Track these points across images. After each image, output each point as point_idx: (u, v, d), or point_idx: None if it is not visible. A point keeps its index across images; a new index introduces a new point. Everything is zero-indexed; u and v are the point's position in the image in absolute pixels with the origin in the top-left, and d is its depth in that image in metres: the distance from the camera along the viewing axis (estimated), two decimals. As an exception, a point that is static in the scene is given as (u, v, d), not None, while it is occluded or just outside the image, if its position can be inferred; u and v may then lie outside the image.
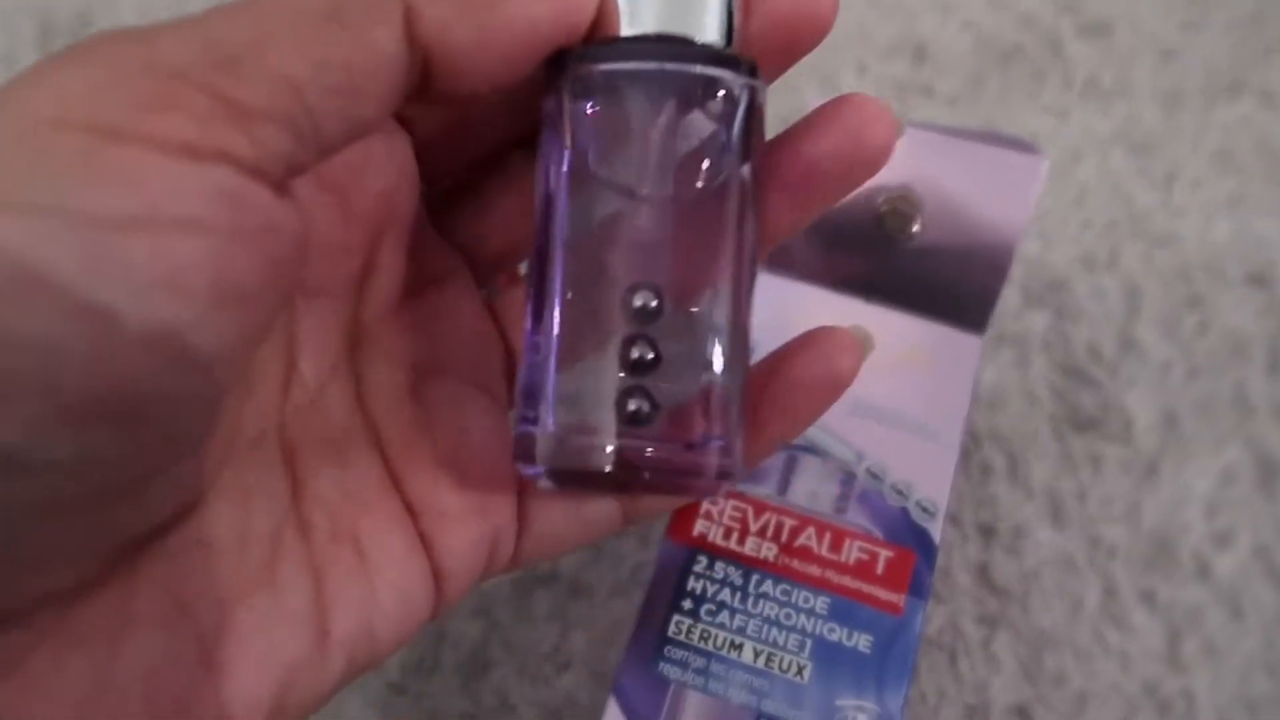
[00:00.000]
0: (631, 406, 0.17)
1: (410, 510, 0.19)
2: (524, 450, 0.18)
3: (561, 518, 0.20)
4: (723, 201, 0.18)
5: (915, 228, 0.28)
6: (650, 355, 0.17)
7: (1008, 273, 0.28)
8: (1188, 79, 0.40)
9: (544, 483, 0.18)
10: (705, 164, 0.18)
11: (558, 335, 0.18)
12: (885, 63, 0.41)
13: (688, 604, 0.24)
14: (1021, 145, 0.28)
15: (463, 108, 0.19)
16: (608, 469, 0.17)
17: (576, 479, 0.19)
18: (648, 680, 0.23)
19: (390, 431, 0.19)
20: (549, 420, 0.18)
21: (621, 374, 0.18)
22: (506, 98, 0.18)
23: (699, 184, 0.18)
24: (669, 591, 0.25)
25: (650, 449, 0.18)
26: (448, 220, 0.21)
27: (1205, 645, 0.29)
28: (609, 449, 0.17)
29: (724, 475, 0.18)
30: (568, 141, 0.18)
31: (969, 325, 0.29)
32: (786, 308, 0.27)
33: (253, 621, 0.16)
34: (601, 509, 0.21)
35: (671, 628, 0.24)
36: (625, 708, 0.23)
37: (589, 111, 0.18)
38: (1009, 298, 0.35)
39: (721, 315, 0.18)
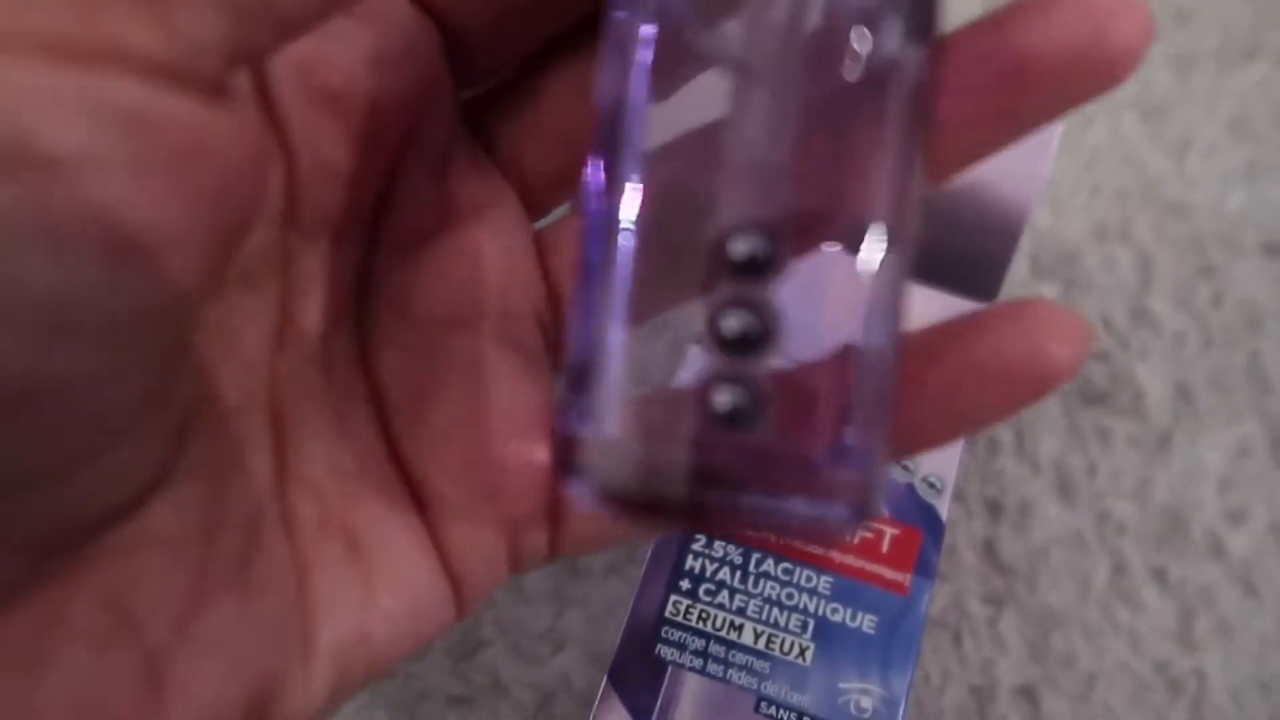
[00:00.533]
0: (724, 403, 0.12)
1: (416, 494, 0.16)
2: (566, 458, 0.13)
3: None
4: (879, 100, 0.12)
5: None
6: (755, 328, 0.12)
7: (1019, 240, 0.27)
8: (1202, 42, 0.39)
9: (593, 505, 0.13)
10: (856, 44, 0.12)
11: (624, 294, 0.13)
12: (890, 25, 0.40)
13: (686, 584, 0.24)
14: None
15: None
16: (683, 496, 0.12)
17: (637, 505, 0.13)
18: (644, 662, 0.23)
19: (398, 397, 0.16)
20: (604, 419, 0.13)
21: (712, 354, 0.12)
22: None
23: (846, 73, 0.12)
24: (667, 570, 0.24)
25: (751, 475, 0.12)
26: (493, 131, 0.16)
27: (1218, 624, 0.28)
28: (687, 465, 0.12)
29: (860, 514, 0.13)
30: (647, 13, 0.12)
31: (979, 295, 0.28)
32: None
33: (216, 631, 0.13)
34: None
35: (669, 608, 0.23)
36: (621, 691, 0.22)
37: None
38: (1018, 268, 0.34)
39: (867, 264, 0.12)
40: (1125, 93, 0.38)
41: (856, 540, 0.24)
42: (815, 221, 0.13)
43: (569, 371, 0.14)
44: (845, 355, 0.13)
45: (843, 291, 0.12)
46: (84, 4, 0.09)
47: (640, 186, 0.13)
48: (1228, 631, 0.28)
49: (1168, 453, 0.31)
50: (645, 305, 0.13)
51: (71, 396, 0.10)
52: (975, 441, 0.31)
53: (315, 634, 0.14)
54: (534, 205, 0.17)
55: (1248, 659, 0.28)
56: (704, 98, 0.12)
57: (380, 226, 0.16)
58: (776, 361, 0.12)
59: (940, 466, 0.25)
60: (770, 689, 0.23)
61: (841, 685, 0.23)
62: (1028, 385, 0.14)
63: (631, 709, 0.22)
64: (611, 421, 0.13)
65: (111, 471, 0.12)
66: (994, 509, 0.30)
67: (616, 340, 0.13)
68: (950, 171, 0.14)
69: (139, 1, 0.09)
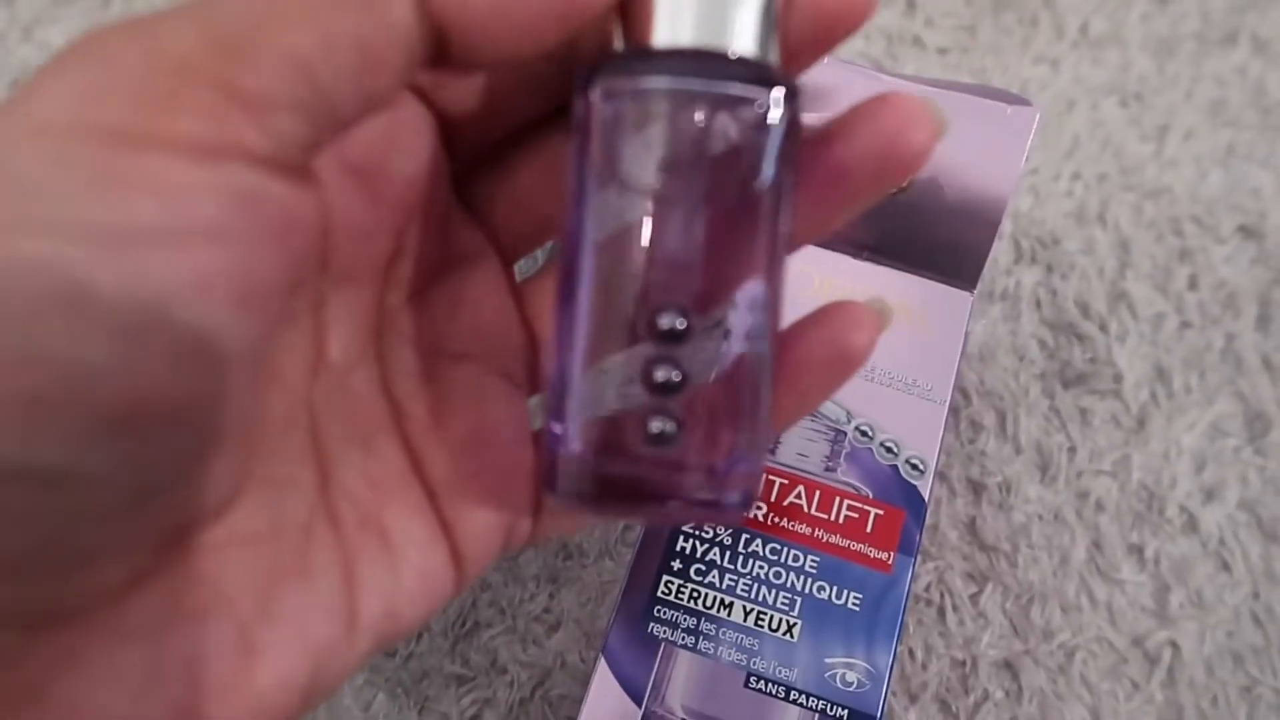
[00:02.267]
0: (655, 428, 0.17)
1: (430, 494, 0.19)
2: (548, 471, 0.18)
3: None
4: (754, 213, 0.17)
5: (907, 184, 0.28)
6: (675, 378, 0.17)
7: (999, 228, 0.27)
8: (1181, 27, 0.39)
9: (565, 505, 0.19)
10: (738, 179, 0.17)
11: (583, 352, 0.17)
12: (875, 14, 0.40)
13: (677, 564, 0.24)
14: (1012, 97, 0.27)
15: (488, 80, 0.19)
16: (629, 501, 0.18)
17: (596, 504, 0.18)
18: (637, 640, 0.23)
19: (414, 415, 0.19)
20: (572, 444, 0.17)
21: (647, 395, 0.17)
22: (535, 70, 0.18)
23: (731, 198, 0.17)
24: (658, 551, 0.25)
25: (672, 480, 0.17)
26: (474, 197, 0.20)
27: (1192, 598, 0.29)
28: (631, 478, 0.17)
29: (749, 501, 0.18)
30: (597, 151, 0.17)
31: (960, 281, 0.28)
32: (775, 265, 0.27)
33: (288, 610, 0.16)
34: None
35: (661, 587, 0.24)
36: (615, 668, 0.23)
37: (619, 125, 0.17)
38: (1001, 253, 0.35)
39: (748, 328, 0.17)
40: (1105, 78, 0.38)
41: (842, 521, 0.25)
42: (715, 294, 0.17)
43: (547, 409, 0.18)
44: (736, 393, 0.17)
45: (735, 343, 0.17)
46: (213, 116, 0.13)
47: (590, 280, 0.17)
48: (1202, 605, 0.29)
49: (1145, 432, 0.32)
50: (599, 363, 0.17)
51: (196, 417, 0.14)
52: (959, 423, 0.32)
53: (358, 611, 0.18)
54: (506, 255, 0.21)
55: (1221, 631, 0.29)
56: (635, 209, 0.17)
57: (393, 275, 0.19)
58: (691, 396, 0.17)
59: (923, 449, 0.26)
60: (759, 665, 0.23)
61: (828, 660, 0.23)
62: (838, 371, 0.19)
63: (625, 686, 0.23)
64: (576, 445, 0.17)
65: (213, 479, 0.15)
66: (976, 489, 0.31)
67: (579, 388, 0.17)
68: (806, 242, 0.19)
69: (247, 113, 0.13)
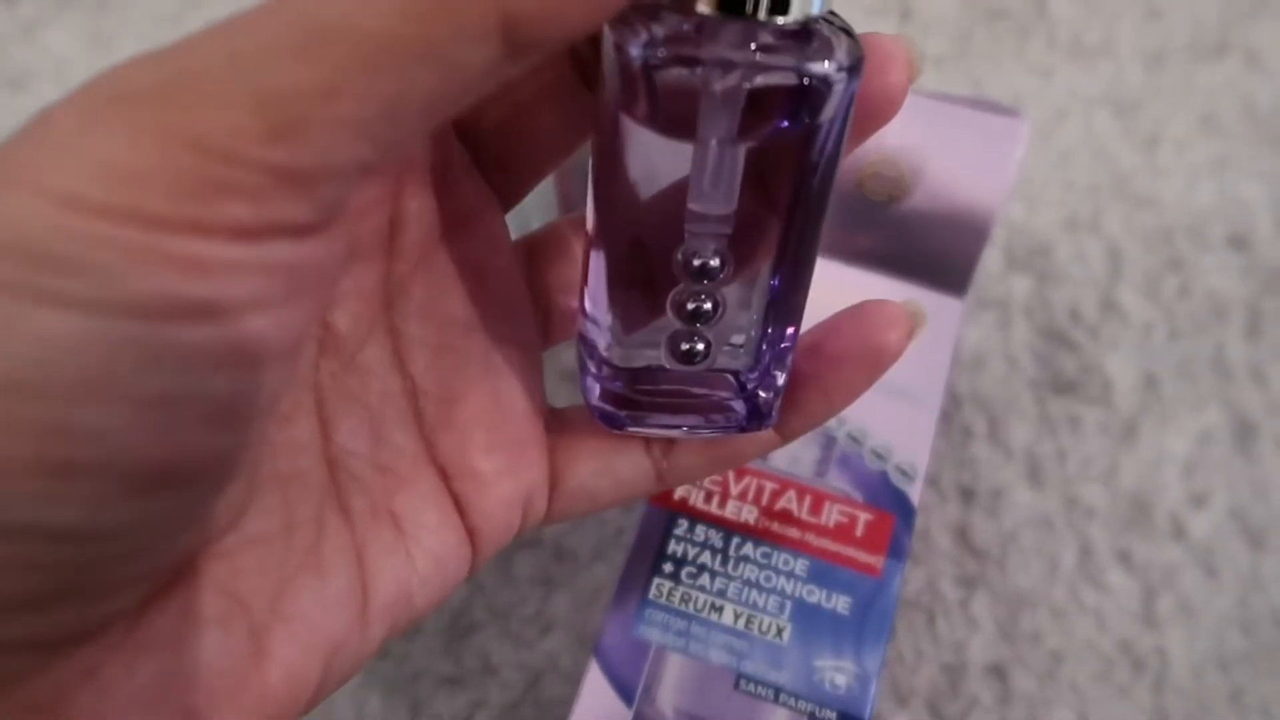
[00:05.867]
0: (685, 346, 0.18)
1: (443, 473, 0.19)
2: (602, 403, 0.19)
3: (592, 472, 0.20)
4: (786, 162, 0.17)
5: (900, 194, 0.28)
6: (708, 306, 0.18)
7: (989, 236, 0.28)
8: (1173, 39, 0.40)
9: (609, 418, 0.19)
10: (776, 125, 0.16)
11: (618, 289, 0.18)
12: (871, 22, 0.40)
13: (668, 567, 0.25)
14: (1002, 109, 0.28)
15: None
16: (660, 413, 0.19)
17: (632, 420, 0.19)
18: (628, 642, 0.24)
19: (427, 389, 0.19)
20: (613, 355, 0.19)
21: (679, 323, 0.18)
22: None
23: (770, 143, 0.17)
24: (650, 555, 0.25)
25: (699, 394, 0.19)
26: (477, 136, 0.19)
27: (1180, 604, 0.30)
28: (662, 393, 0.19)
29: (768, 414, 0.19)
30: (641, 108, 0.16)
31: (950, 289, 0.29)
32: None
33: (300, 607, 0.17)
34: (634, 466, 0.20)
35: (652, 590, 0.24)
36: (606, 670, 0.23)
37: (660, 81, 0.16)
38: (992, 261, 0.35)
39: (780, 271, 0.18)
40: (1097, 88, 0.39)
41: (832, 525, 0.25)
42: (749, 238, 0.18)
43: (583, 339, 0.19)
44: (763, 319, 0.19)
45: (761, 288, 0.18)
46: (259, 199, 0.12)
47: (626, 219, 0.18)
48: (1189, 611, 0.30)
49: (1134, 440, 0.32)
50: (633, 300, 0.18)
51: (221, 466, 0.14)
52: (950, 429, 0.32)
53: (371, 600, 0.18)
54: (509, 195, 0.20)
55: (1208, 637, 0.29)
56: (676, 155, 0.17)
57: (397, 243, 0.18)
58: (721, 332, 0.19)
59: (912, 455, 0.26)
60: (749, 667, 0.24)
61: (817, 663, 0.24)
62: (868, 368, 0.19)
63: (617, 687, 0.23)
64: (613, 367, 0.19)
65: (229, 501, 0.16)
66: (967, 495, 0.31)
67: (614, 320, 0.18)
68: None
69: (295, 190, 0.12)
